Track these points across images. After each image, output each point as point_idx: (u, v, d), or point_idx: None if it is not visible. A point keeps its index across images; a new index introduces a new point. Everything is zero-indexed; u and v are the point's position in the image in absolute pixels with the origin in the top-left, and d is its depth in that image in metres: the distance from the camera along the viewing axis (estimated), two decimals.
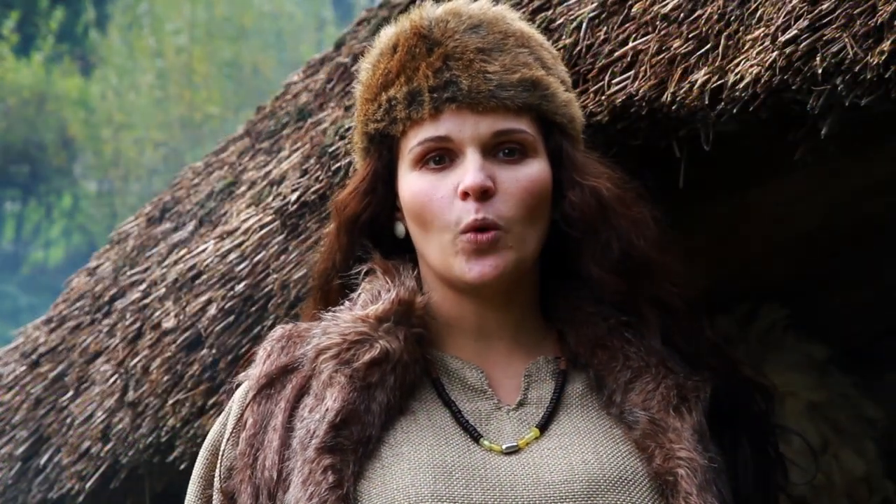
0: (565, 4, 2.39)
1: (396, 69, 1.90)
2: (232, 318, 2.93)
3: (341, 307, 1.89)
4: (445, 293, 1.89)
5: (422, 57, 1.89)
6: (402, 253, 1.93)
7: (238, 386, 1.93)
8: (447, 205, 1.85)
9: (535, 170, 1.88)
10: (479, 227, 1.83)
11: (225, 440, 1.88)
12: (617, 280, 1.88)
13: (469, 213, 1.83)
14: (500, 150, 1.87)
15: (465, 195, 1.83)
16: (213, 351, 2.96)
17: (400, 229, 1.93)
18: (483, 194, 1.83)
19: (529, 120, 1.89)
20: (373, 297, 1.87)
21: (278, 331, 1.92)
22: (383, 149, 1.93)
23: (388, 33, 1.95)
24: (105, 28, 16.77)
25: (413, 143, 1.88)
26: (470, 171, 1.84)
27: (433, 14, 1.92)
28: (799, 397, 3.14)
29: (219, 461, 1.88)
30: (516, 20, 1.95)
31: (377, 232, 1.94)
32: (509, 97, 1.87)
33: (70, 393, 3.45)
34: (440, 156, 1.87)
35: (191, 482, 1.93)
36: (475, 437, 1.82)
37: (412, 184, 1.88)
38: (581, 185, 1.89)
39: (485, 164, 1.85)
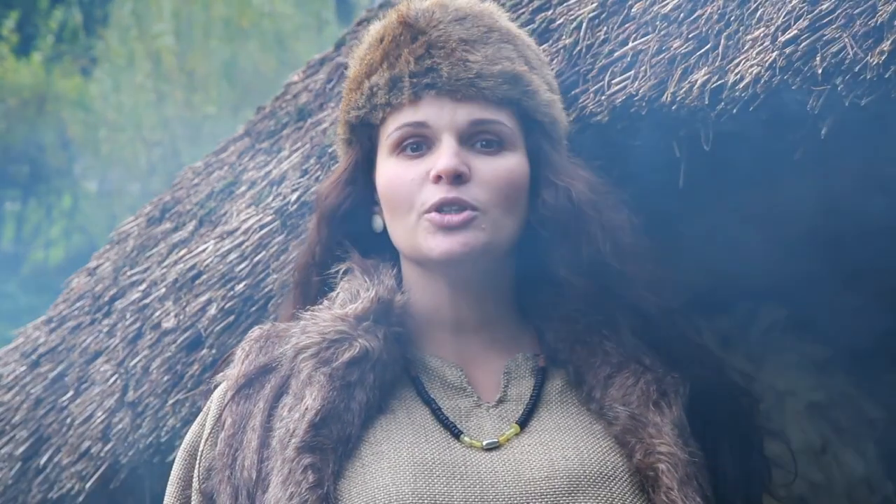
0: (565, 4, 2.39)
1: (380, 58, 1.92)
2: (232, 318, 2.93)
3: (320, 306, 1.89)
4: (423, 285, 1.90)
5: (405, 44, 1.91)
6: (380, 252, 1.93)
7: (216, 386, 1.93)
8: (417, 187, 1.85)
9: (513, 162, 1.88)
10: (448, 205, 1.83)
11: (203, 441, 1.88)
12: (584, 283, 1.88)
13: (438, 193, 1.83)
14: (477, 140, 1.88)
15: (437, 178, 1.84)
16: (213, 351, 2.96)
17: (378, 223, 1.94)
18: (456, 178, 1.83)
19: (510, 115, 1.89)
20: (352, 296, 1.88)
21: (256, 331, 1.93)
22: (364, 138, 1.94)
23: (375, 27, 1.97)
24: (94, 30, 16.77)
25: (391, 128, 1.89)
26: (444, 155, 1.84)
27: (420, 6, 1.94)
28: (799, 397, 3.14)
29: (197, 462, 1.88)
30: (503, 18, 1.97)
31: (356, 226, 1.94)
32: (489, 87, 1.88)
33: (70, 393, 3.45)
34: (417, 143, 1.88)
35: (169, 483, 1.93)
36: (455, 434, 1.82)
37: (387, 169, 1.89)
38: (556, 185, 1.89)
39: (460, 150, 1.86)
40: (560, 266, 1.89)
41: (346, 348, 1.83)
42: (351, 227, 1.95)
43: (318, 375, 1.81)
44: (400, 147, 1.89)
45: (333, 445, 1.78)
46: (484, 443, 1.82)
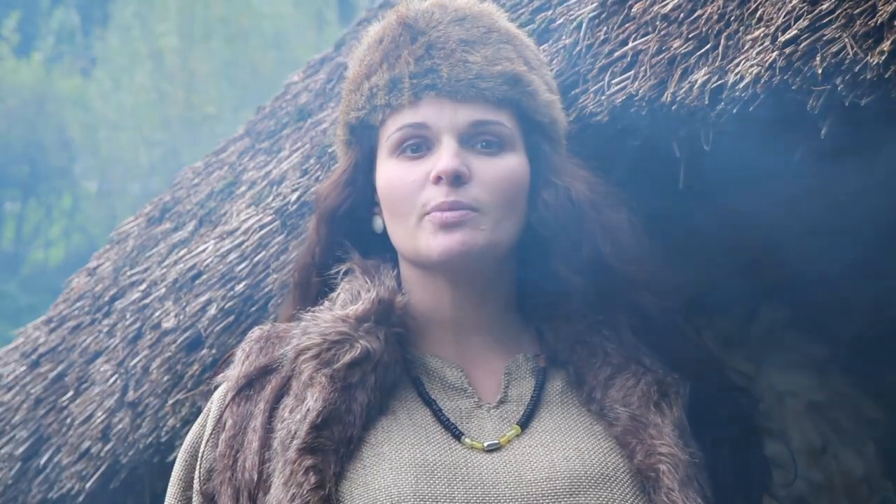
0: (565, 4, 2.39)
1: (380, 59, 1.92)
2: (232, 318, 2.93)
3: (320, 307, 1.89)
4: (424, 286, 1.90)
5: (405, 45, 1.91)
6: (381, 252, 1.93)
7: (217, 387, 1.93)
8: (418, 188, 1.85)
9: (513, 163, 1.88)
10: (448, 208, 1.83)
11: (204, 442, 1.88)
12: (584, 283, 1.88)
13: (439, 195, 1.83)
14: (478, 141, 1.87)
15: (437, 179, 1.84)
16: (213, 351, 2.96)
17: (378, 223, 1.93)
18: (456, 179, 1.83)
19: (510, 115, 1.89)
20: (352, 296, 1.87)
21: (256, 332, 1.92)
22: (364, 140, 1.94)
23: (374, 28, 1.97)
24: (92, 30, 16.77)
25: (391, 129, 1.89)
26: (444, 156, 1.84)
27: (419, 6, 1.94)
28: (799, 397, 3.14)
29: (198, 463, 1.87)
30: (503, 18, 1.97)
31: (356, 227, 1.94)
32: (489, 88, 1.88)
33: (70, 393, 3.45)
34: (417, 144, 1.88)
35: (170, 484, 1.93)
36: (456, 435, 1.82)
37: (387, 170, 1.89)
38: (556, 185, 1.89)
39: (461, 151, 1.85)
40: (560, 266, 1.89)
41: (347, 349, 1.82)
42: (351, 228, 1.94)
43: (319, 377, 1.81)
44: (400, 148, 1.89)
45: (335, 447, 1.78)
46: (485, 444, 1.82)
